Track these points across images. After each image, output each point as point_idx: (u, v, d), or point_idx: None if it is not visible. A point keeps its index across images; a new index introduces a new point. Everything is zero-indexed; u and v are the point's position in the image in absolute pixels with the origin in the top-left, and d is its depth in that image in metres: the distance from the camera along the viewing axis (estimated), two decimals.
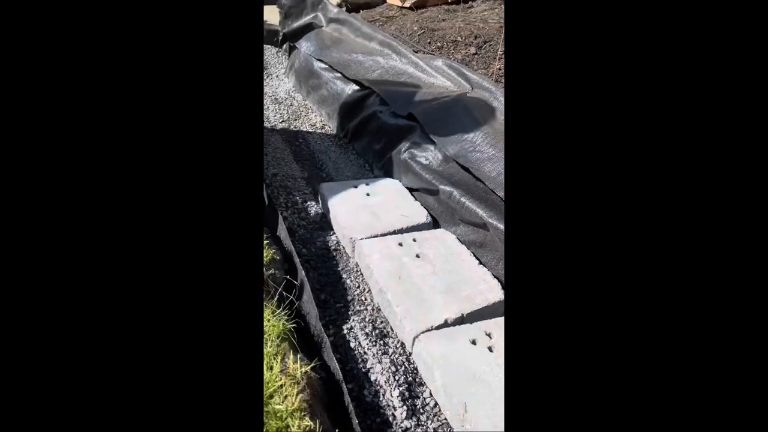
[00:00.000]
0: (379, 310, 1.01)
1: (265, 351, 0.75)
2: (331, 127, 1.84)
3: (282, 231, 1.13)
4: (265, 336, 0.78)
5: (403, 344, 0.93)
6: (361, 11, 2.54)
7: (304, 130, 1.84)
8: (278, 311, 0.83)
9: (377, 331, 0.95)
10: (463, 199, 1.14)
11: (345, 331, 0.94)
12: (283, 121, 1.88)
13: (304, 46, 2.13)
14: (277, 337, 0.79)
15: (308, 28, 2.24)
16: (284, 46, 2.47)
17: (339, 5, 2.50)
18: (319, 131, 1.83)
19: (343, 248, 1.19)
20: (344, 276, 1.10)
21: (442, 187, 1.23)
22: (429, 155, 1.34)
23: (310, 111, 1.98)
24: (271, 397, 0.68)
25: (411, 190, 1.35)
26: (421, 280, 1.01)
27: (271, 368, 0.72)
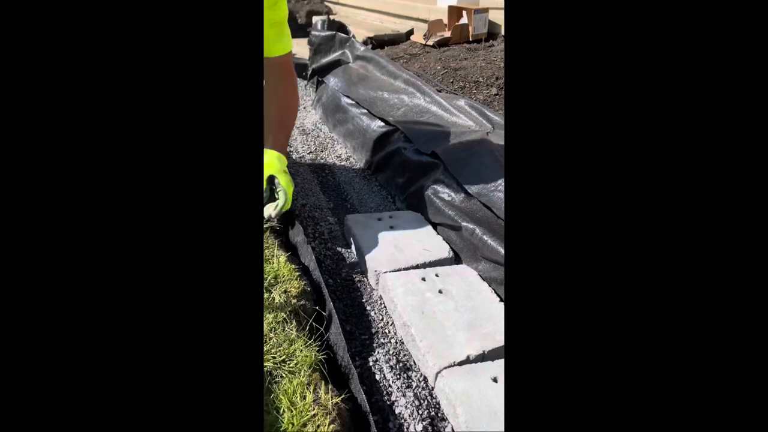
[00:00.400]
0: (403, 343, 1.05)
1: (298, 380, 0.79)
2: (356, 159, 1.93)
3: (311, 262, 1.19)
4: (298, 366, 0.83)
5: (425, 378, 0.96)
6: (386, 48, 2.69)
7: (330, 161, 1.93)
8: (310, 342, 0.88)
9: (401, 365, 0.99)
10: (485, 237, 1.19)
11: (371, 363, 0.98)
12: (310, 152, 1.98)
13: (332, 81, 2.25)
14: (309, 367, 0.84)
15: (336, 64, 2.38)
16: (312, 79, 2.61)
17: (365, 42, 2.64)
18: (344, 162, 1.92)
19: (367, 280, 1.25)
20: (368, 308, 1.15)
21: (464, 223, 1.28)
22: (451, 192, 1.40)
23: (336, 143, 2.08)
24: (304, 425, 0.72)
25: (433, 224, 1.41)
26: (444, 315, 1.05)
27: (304, 398, 0.76)
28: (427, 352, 0.96)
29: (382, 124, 1.80)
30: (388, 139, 1.74)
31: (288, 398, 0.76)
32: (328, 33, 2.47)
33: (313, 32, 2.53)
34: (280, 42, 1.16)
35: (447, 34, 2.62)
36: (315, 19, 3.55)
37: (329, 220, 1.50)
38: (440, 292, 1.11)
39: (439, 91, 1.84)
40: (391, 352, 1.02)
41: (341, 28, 2.55)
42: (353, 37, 2.48)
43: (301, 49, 3.06)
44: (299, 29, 4.06)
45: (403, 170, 1.61)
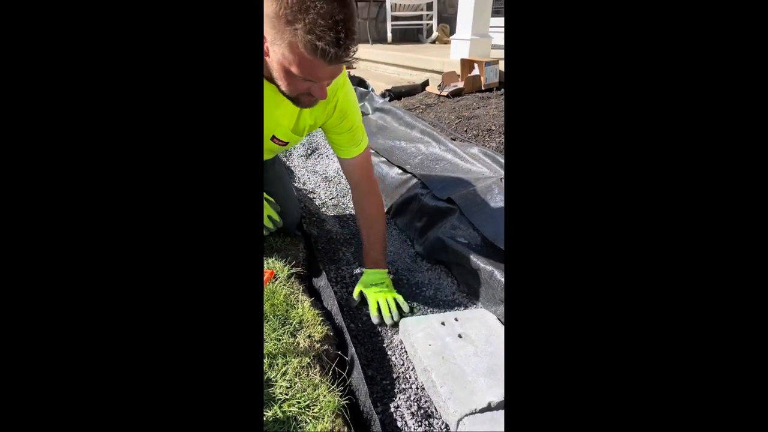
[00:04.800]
0: (423, 389, 1.06)
1: (322, 426, 0.82)
2: None
3: (333, 306, 1.24)
4: (322, 411, 0.86)
5: (447, 426, 0.96)
6: (402, 99, 2.85)
7: (351, 206, 2.02)
8: (333, 387, 0.91)
9: (422, 411, 0.99)
10: (503, 280, 1.21)
11: (392, 410, 0.99)
12: (332, 198, 2.08)
13: None
14: (332, 413, 0.86)
15: None
16: None
17: (383, 95, 2.82)
18: None
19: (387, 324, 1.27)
20: (389, 353, 1.17)
21: (483, 266, 1.31)
22: (468, 236, 1.44)
23: None
24: None
25: (449, 266, 1.44)
26: (464, 360, 1.06)
27: None
28: (448, 398, 0.97)
29: (400, 171, 1.90)
30: (406, 186, 1.82)
31: None
32: None
33: None
34: (355, 146, 1.29)
35: (460, 84, 2.77)
36: None
37: (351, 264, 1.56)
38: (460, 336, 1.13)
39: (454, 140, 1.93)
40: (412, 398, 1.03)
41: (361, 83, 2.75)
42: (372, 90, 2.66)
43: None
44: None
45: (421, 215, 1.68)
